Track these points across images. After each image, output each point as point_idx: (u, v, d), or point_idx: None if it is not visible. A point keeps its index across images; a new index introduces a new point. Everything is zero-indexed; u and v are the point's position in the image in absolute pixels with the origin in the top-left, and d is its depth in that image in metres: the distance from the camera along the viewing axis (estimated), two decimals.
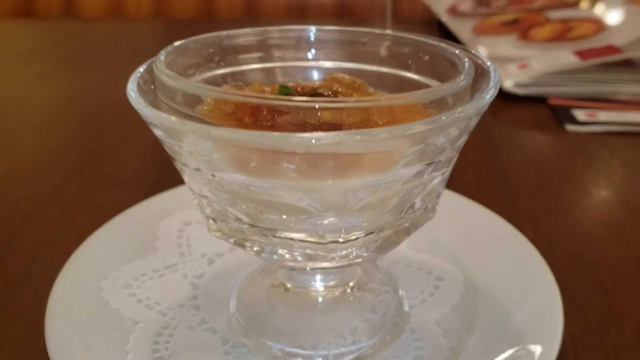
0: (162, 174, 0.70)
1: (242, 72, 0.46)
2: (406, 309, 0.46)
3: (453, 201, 0.57)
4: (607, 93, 0.95)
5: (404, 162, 0.33)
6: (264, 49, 0.46)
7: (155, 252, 0.52)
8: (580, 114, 0.88)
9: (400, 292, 0.48)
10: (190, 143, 0.32)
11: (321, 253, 0.36)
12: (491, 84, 0.36)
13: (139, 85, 0.36)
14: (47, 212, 0.63)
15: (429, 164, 0.35)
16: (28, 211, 0.63)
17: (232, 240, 0.38)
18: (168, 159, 0.39)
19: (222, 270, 0.51)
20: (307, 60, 0.48)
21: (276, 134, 0.29)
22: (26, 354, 0.44)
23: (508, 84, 0.95)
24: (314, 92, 0.40)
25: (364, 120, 0.38)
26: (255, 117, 0.38)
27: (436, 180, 0.38)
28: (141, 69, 0.37)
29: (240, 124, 0.34)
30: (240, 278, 0.49)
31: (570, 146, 0.80)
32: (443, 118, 0.31)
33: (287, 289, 0.46)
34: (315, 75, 0.48)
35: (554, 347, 0.40)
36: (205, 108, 0.41)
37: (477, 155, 0.76)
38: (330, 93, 0.41)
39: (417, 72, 0.44)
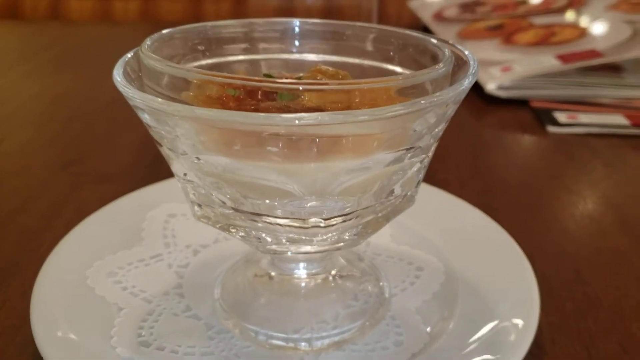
0: (149, 171, 0.71)
1: (227, 63, 0.47)
2: (387, 296, 0.47)
3: (435, 196, 0.58)
4: (588, 96, 0.97)
5: (384, 146, 0.34)
6: (250, 40, 0.47)
7: (140, 243, 0.52)
8: (561, 116, 0.89)
9: (381, 281, 0.48)
10: (175, 125, 0.33)
11: (304, 237, 0.37)
12: (470, 71, 0.37)
13: (125, 71, 0.37)
14: (33, 205, 0.63)
15: (408, 150, 0.36)
16: (15, 205, 0.63)
17: (217, 226, 0.39)
18: (154, 157, 0.40)
19: (206, 261, 0.51)
20: (292, 52, 0.49)
21: (259, 114, 0.30)
22: (12, 340, 0.44)
23: (491, 87, 0.96)
24: (298, 78, 0.41)
25: (346, 107, 0.39)
26: (239, 101, 0.39)
27: (415, 168, 0.39)
28: (128, 55, 0.38)
29: (225, 109, 0.35)
30: (225, 268, 0.50)
31: (552, 147, 0.82)
32: (422, 102, 0.32)
33: (271, 278, 0.47)
34: (300, 67, 0.49)
35: (530, 329, 0.41)
36: (190, 93, 0.42)
37: (460, 156, 0.77)
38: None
39: (400, 64, 0.45)
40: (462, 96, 0.36)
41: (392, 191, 0.38)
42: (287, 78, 0.44)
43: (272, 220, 0.37)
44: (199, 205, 0.39)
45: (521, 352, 0.39)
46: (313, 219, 0.36)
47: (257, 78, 0.32)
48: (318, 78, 0.43)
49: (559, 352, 0.44)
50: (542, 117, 0.90)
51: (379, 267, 0.51)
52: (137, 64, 0.39)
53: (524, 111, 0.94)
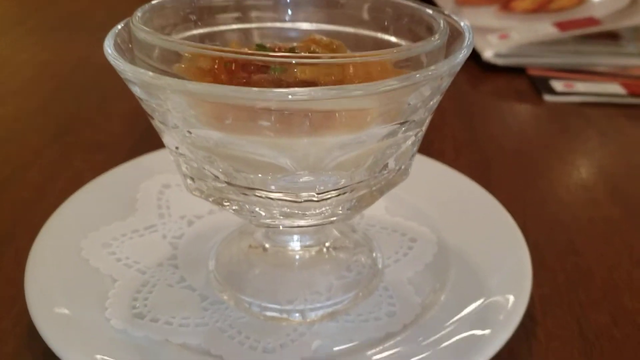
0: (142, 139, 0.70)
1: (220, 33, 0.46)
2: (380, 267, 0.47)
3: (429, 167, 0.58)
4: (585, 64, 0.96)
5: (377, 121, 0.33)
6: (242, 9, 0.46)
7: (134, 214, 0.52)
8: (558, 85, 0.89)
9: (374, 252, 0.49)
10: (167, 99, 0.32)
11: (297, 211, 0.37)
12: (465, 43, 0.36)
13: (116, 43, 0.36)
14: (26, 175, 0.63)
15: (402, 124, 0.35)
16: (7, 174, 0.63)
17: (210, 199, 0.39)
18: (147, 124, 0.40)
19: (201, 232, 0.51)
20: (285, 21, 0.48)
21: (252, 89, 0.30)
22: (8, 312, 0.45)
23: (488, 54, 0.95)
24: (291, 50, 0.40)
25: (339, 80, 0.39)
26: (231, 74, 0.38)
27: (409, 141, 0.39)
28: (119, 26, 0.37)
29: (217, 81, 0.34)
30: (219, 239, 0.50)
31: (548, 116, 0.81)
32: (417, 75, 0.32)
33: (265, 249, 0.47)
34: (294, 36, 0.48)
35: (522, 301, 0.41)
36: (182, 66, 0.42)
37: (455, 126, 0.77)
38: (307, 53, 0.41)
39: (395, 34, 0.44)
40: (457, 69, 0.36)
41: (386, 165, 0.38)
42: (280, 48, 0.43)
43: (265, 194, 0.37)
44: (192, 179, 0.39)
45: (512, 325, 0.39)
46: (306, 194, 0.36)
47: (249, 51, 0.31)
48: (312, 49, 0.43)
49: (550, 324, 0.44)
50: (538, 85, 0.89)
51: (372, 238, 0.51)
52: (128, 35, 0.38)
53: (521, 79, 0.93)
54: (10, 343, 0.42)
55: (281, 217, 0.37)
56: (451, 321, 0.41)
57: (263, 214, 0.38)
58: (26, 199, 0.58)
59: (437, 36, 0.35)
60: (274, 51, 0.42)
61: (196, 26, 0.44)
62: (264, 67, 0.39)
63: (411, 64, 0.35)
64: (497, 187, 0.62)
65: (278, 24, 0.48)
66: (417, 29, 0.42)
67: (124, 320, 0.40)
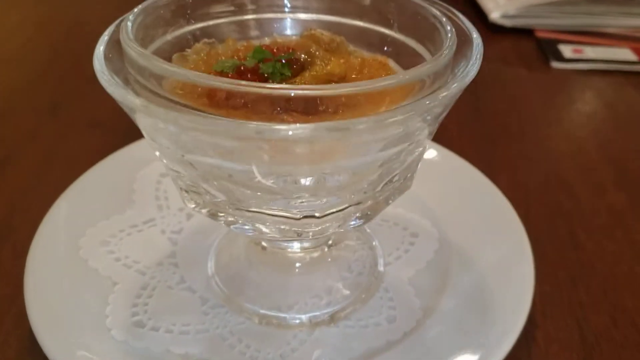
0: None
1: (215, 27, 0.44)
2: (381, 268, 0.47)
3: (432, 153, 0.57)
4: (595, 25, 0.93)
5: (381, 145, 0.32)
6: (237, 0, 0.43)
7: (132, 206, 0.52)
8: (566, 50, 0.86)
9: (375, 250, 0.48)
10: (158, 124, 0.31)
11: (296, 229, 0.36)
12: (473, 59, 0.34)
13: (107, 54, 0.34)
14: (23, 158, 0.62)
15: (409, 144, 0.34)
16: (2, 157, 0.62)
17: (204, 211, 0.38)
18: None
19: (200, 225, 0.51)
20: (284, 12, 0.46)
21: (250, 124, 0.28)
22: (7, 311, 0.45)
23: (495, 15, 0.92)
24: (289, 57, 0.38)
25: (341, 80, 0.37)
26: (228, 95, 0.37)
27: (416, 153, 0.37)
28: (105, 36, 0.35)
29: (212, 102, 0.33)
30: (218, 235, 0.50)
31: (554, 86, 0.79)
32: (427, 102, 0.30)
33: (264, 248, 0.47)
34: (292, 28, 0.46)
35: (523, 310, 0.41)
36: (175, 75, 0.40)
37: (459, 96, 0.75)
38: (306, 57, 0.39)
39: (399, 30, 0.42)
40: (467, 84, 0.34)
41: (392, 179, 0.37)
42: (278, 49, 0.41)
43: (263, 210, 0.36)
44: (186, 191, 0.38)
45: (512, 336, 0.39)
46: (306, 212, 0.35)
47: (244, 83, 0.29)
48: (312, 49, 0.41)
49: (550, 327, 0.44)
50: (546, 49, 0.87)
51: (373, 232, 0.50)
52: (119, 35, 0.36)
53: (528, 42, 0.90)
54: (12, 345, 0.42)
55: (278, 235, 0.37)
56: (451, 330, 0.41)
57: (263, 229, 0.37)
58: (23, 187, 0.58)
59: (445, 52, 0.33)
60: (272, 53, 0.40)
61: (189, 22, 0.42)
62: (264, 77, 0.37)
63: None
64: (500, 168, 0.61)
65: (276, 15, 0.45)
66: (421, 27, 0.40)
67: (124, 330, 0.40)
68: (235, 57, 0.40)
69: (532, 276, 0.43)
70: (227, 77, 0.37)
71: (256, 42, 0.44)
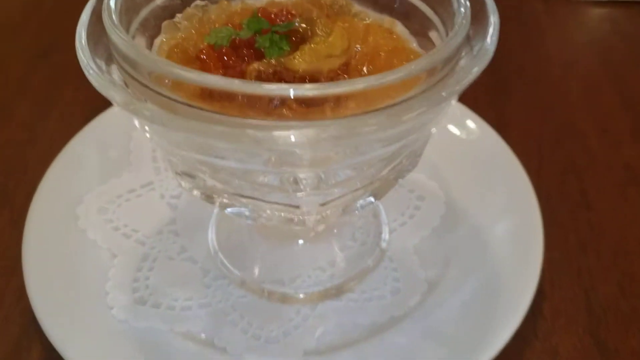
0: None
1: None
2: (385, 235, 0.46)
3: None
4: None
5: (386, 142, 0.30)
6: None
7: (129, 168, 0.50)
8: None
9: (380, 217, 0.47)
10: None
11: (297, 217, 0.34)
12: (489, 33, 0.31)
13: (88, 34, 0.32)
14: (16, 112, 0.59)
15: (420, 134, 0.32)
16: None
17: (197, 193, 0.36)
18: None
19: None
20: None
21: (248, 131, 0.26)
22: (7, 285, 0.44)
23: None
24: (288, 27, 0.35)
25: (344, 70, 0.34)
26: (222, 61, 0.34)
27: (427, 137, 0.35)
28: (87, 14, 0.32)
29: (204, 93, 0.30)
30: None
31: (572, 21, 0.74)
32: (443, 94, 0.28)
33: None
34: None
35: (531, 286, 0.40)
36: (164, 41, 0.37)
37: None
38: (306, 27, 0.36)
39: None
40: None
41: (400, 162, 0.35)
42: (276, 14, 0.38)
43: (263, 198, 0.34)
44: (179, 174, 0.36)
45: (520, 313, 0.39)
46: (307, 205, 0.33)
47: (239, 82, 0.27)
48: (314, 14, 0.37)
49: (557, 297, 0.44)
50: None
51: None
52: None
53: None
54: (16, 321, 0.42)
55: (279, 222, 0.35)
56: (456, 306, 0.40)
57: (262, 215, 0.35)
58: (17, 143, 0.56)
59: (458, 32, 0.30)
60: (270, 19, 0.37)
61: None
62: (259, 54, 0.34)
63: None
64: (513, 118, 0.58)
65: None
66: None
67: (125, 309, 0.40)
68: (230, 25, 0.37)
69: (540, 250, 0.42)
70: (221, 51, 0.34)
71: (251, 2, 0.40)
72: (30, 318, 0.41)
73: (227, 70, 0.34)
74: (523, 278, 0.41)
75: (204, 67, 0.34)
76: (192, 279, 0.43)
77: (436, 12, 0.37)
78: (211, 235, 0.45)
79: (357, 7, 0.40)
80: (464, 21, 0.31)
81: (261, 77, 0.33)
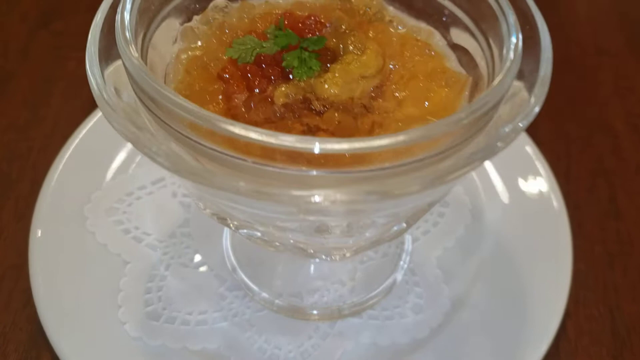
0: None
1: None
2: (408, 246, 0.44)
3: None
4: None
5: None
6: None
7: (139, 162, 0.48)
8: None
9: (402, 224, 0.45)
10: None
11: (318, 252, 0.33)
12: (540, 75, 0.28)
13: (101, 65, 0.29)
14: (17, 89, 0.56)
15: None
16: None
17: (209, 212, 0.34)
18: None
19: None
20: None
21: (273, 191, 0.23)
22: (15, 286, 0.42)
23: None
24: (318, 44, 0.32)
25: (378, 92, 0.32)
26: (248, 84, 0.31)
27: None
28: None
29: (228, 89, 0.28)
30: None
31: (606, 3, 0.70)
32: (498, 144, 0.26)
33: None
34: None
35: (558, 310, 0.39)
36: (181, 49, 0.34)
37: None
38: (336, 41, 0.33)
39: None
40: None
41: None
42: (302, 22, 0.34)
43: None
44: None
45: (547, 339, 0.38)
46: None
47: (262, 133, 0.24)
48: (343, 25, 0.34)
49: (582, 315, 0.42)
50: None
51: None
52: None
53: None
54: (23, 328, 0.41)
55: (296, 252, 0.33)
56: (481, 329, 0.39)
57: (278, 243, 0.33)
58: (20, 125, 0.53)
59: (507, 73, 0.27)
60: (297, 27, 0.33)
61: None
62: (286, 72, 0.32)
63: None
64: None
65: None
66: (479, 6, 0.33)
67: (138, 325, 0.38)
68: (253, 33, 0.33)
69: (569, 270, 0.41)
70: (245, 69, 0.31)
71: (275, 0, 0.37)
72: (39, 324, 0.40)
73: (251, 94, 0.31)
74: (552, 303, 0.40)
75: (227, 90, 0.31)
76: (207, 289, 0.41)
77: (479, 29, 0.33)
78: (225, 243, 0.43)
79: (391, 12, 0.36)
80: (515, 56, 0.28)
81: (289, 105, 0.30)
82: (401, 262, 0.43)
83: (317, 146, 0.23)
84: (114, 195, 0.45)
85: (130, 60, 0.26)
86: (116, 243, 0.43)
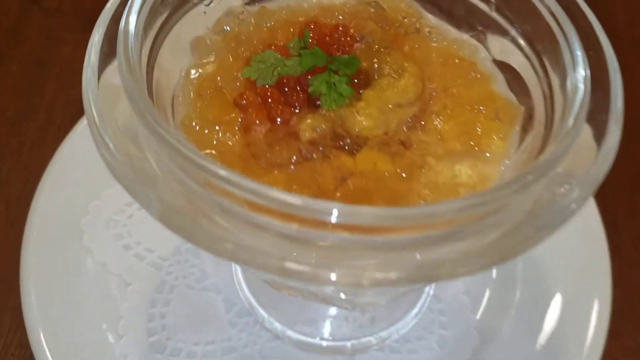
0: None
1: None
2: None
3: None
4: None
5: None
6: None
7: None
8: None
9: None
10: None
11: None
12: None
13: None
14: (7, 75, 0.51)
15: None
16: None
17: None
18: None
19: None
20: None
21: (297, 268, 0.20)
22: (5, 305, 0.39)
23: None
24: (350, 66, 0.27)
25: (416, 120, 0.28)
26: (269, 113, 0.27)
27: None
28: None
29: (246, 118, 0.24)
30: None
31: None
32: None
33: None
34: None
35: (596, 350, 0.36)
36: (192, 66, 0.29)
37: None
38: (371, 62, 0.28)
39: (497, 11, 0.30)
40: None
41: None
42: (331, 30, 0.30)
43: None
44: None
45: None
46: None
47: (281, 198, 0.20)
48: (375, 43, 0.29)
49: (618, 348, 0.39)
50: None
51: None
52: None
53: None
54: (15, 353, 0.38)
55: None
56: None
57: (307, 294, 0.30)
58: (10, 118, 0.49)
59: (570, 132, 0.23)
60: (324, 48, 0.29)
61: None
62: (311, 101, 0.27)
63: None
64: None
65: None
66: (536, 29, 0.28)
67: (141, 359, 0.35)
68: (273, 46, 0.29)
69: (608, 311, 0.37)
70: (265, 94, 0.27)
71: (297, 5, 0.32)
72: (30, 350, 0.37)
73: (273, 125, 0.27)
74: (588, 341, 0.36)
75: (245, 119, 0.27)
76: (214, 315, 0.38)
77: (532, 48, 0.29)
78: (235, 267, 0.40)
79: (430, 21, 0.32)
80: (586, 92, 0.24)
81: (316, 142, 0.26)
82: (426, 288, 0.39)
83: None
84: (113, 206, 0.41)
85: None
86: (116, 261, 0.39)
